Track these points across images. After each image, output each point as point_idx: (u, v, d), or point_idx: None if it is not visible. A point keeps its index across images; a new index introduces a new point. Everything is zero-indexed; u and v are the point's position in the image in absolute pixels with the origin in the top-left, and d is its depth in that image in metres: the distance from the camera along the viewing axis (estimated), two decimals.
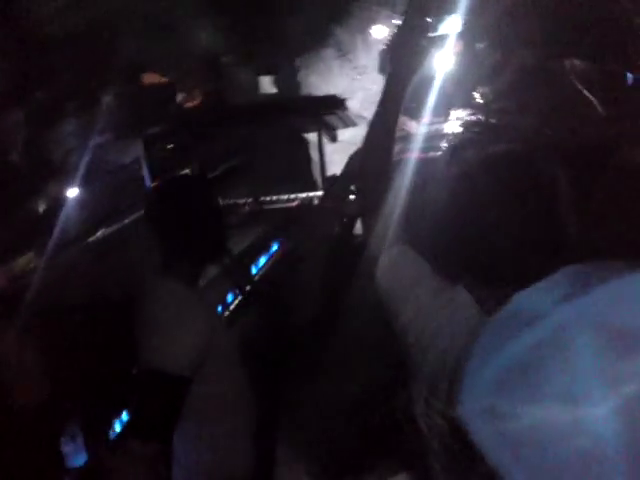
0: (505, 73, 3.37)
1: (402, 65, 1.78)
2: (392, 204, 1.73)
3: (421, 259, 1.46)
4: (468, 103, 3.58)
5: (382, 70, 3.94)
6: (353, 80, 3.68)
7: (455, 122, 3.53)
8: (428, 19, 2.26)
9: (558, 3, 3.12)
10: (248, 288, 2.78)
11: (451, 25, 3.32)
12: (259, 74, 5.04)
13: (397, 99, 1.80)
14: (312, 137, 3.66)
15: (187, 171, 3.29)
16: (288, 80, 4.65)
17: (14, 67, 5.60)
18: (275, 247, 3.42)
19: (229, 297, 2.81)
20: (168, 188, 2.28)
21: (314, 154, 3.71)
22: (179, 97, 7.05)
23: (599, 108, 2.60)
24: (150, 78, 6.88)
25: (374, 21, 3.81)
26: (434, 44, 3.73)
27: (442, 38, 3.40)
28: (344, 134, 3.30)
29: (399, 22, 3.58)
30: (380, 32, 3.85)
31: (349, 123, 2.91)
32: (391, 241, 1.63)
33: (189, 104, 6.68)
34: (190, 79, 6.06)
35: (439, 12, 3.60)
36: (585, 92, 2.83)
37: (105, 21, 4.88)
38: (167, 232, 2.12)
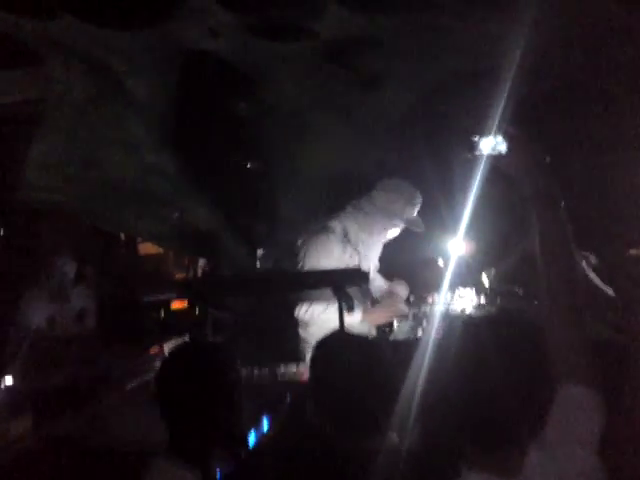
0: (510, 259, 3.51)
1: None
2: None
3: None
4: (475, 284, 3.70)
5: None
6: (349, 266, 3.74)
7: (462, 302, 3.62)
8: None
9: None
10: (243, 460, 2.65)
11: None
12: (257, 249, 5.12)
13: None
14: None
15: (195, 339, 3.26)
16: (285, 257, 4.74)
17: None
18: (272, 421, 3.33)
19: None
20: (184, 356, 2.14)
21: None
22: (175, 268, 7.20)
23: (608, 293, 2.69)
24: (145, 248, 7.04)
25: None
26: None
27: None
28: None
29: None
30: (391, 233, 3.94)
31: (367, 297, 2.97)
32: None
33: (183, 275, 6.81)
34: (186, 251, 6.20)
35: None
36: (597, 281, 2.91)
37: (104, 193, 5.04)
38: (178, 406, 1.95)
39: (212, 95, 4.72)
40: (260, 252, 5.30)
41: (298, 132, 4.91)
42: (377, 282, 3.91)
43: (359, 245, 3.86)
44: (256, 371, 3.10)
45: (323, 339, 2.04)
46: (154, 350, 3.59)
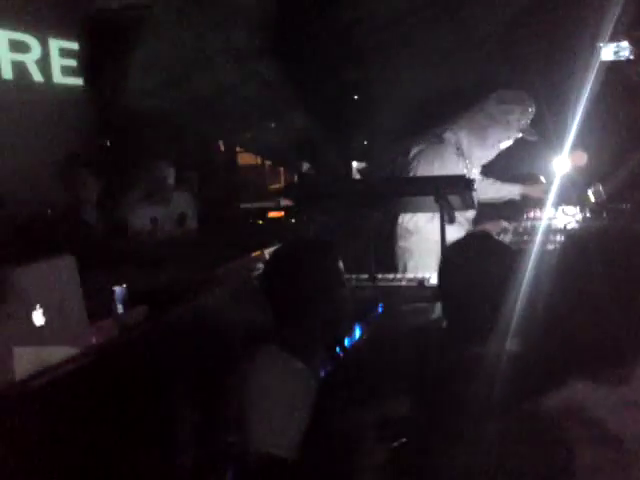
0: (620, 174, 3.36)
1: None
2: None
3: None
4: (580, 201, 3.59)
5: None
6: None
7: (566, 218, 3.53)
8: None
9: None
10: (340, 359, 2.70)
11: None
12: (354, 159, 5.08)
13: None
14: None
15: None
16: (384, 169, 4.65)
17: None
18: (366, 326, 3.38)
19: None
20: (291, 251, 2.20)
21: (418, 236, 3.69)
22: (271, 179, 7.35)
23: None
24: (244, 159, 7.19)
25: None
26: None
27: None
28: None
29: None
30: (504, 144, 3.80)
31: (470, 205, 2.90)
32: None
33: (279, 184, 6.94)
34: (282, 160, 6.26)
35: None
36: None
37: (205, 99, 5.07)
38: (283, 303, 2.01)
39: (314, 2, 4.62)
40: (357, 165, 5.27)
41: (400, 39, 4.75)
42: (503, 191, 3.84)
43: (472, 157, 3.77)
44: (354, 276, 3.13)
45: (464, 238, 2.04)
46: (255, 254, 3.69)
